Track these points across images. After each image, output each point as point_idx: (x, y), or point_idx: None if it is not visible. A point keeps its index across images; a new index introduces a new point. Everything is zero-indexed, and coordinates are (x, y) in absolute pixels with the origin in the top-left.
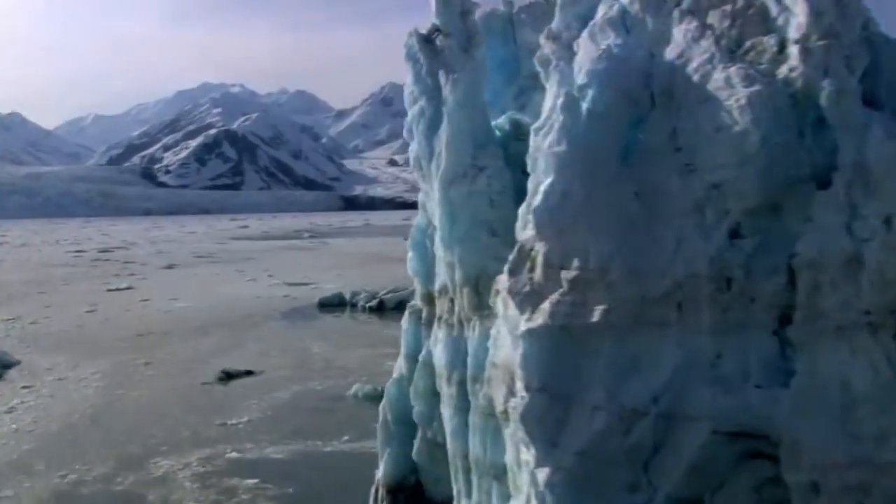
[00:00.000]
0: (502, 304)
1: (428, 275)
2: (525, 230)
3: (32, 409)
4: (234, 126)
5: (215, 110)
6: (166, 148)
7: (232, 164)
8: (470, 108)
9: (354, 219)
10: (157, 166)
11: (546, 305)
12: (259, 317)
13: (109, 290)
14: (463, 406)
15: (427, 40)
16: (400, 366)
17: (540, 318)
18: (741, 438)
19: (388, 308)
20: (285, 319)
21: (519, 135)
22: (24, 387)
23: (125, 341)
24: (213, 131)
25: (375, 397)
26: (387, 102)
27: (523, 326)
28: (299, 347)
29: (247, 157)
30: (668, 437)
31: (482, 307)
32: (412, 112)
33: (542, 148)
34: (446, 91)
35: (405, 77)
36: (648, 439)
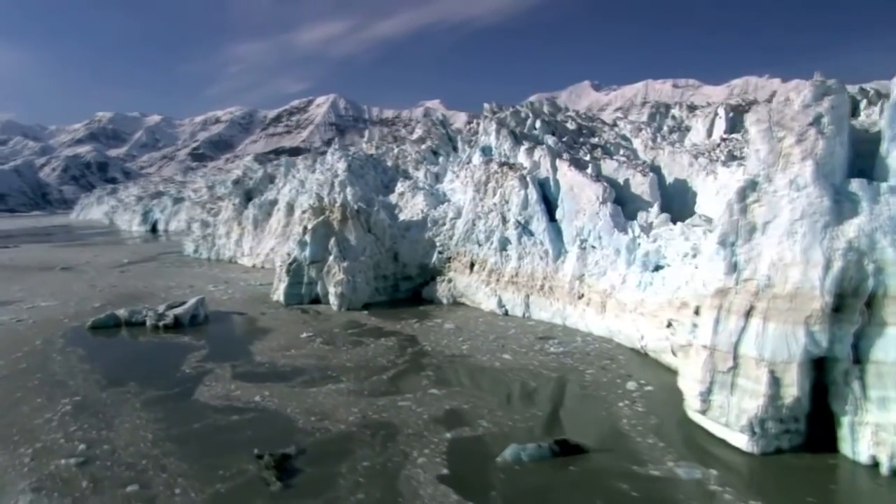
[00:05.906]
0: None
1: None
2: None
3: None
4: None
5: None
6: None
7: None
8: None
9: None
10: None
11: None
12: (56, 347)
13: None
14: None
15: None
16: None
17: None
18: None
19: (185, 325)
20: (89, 349)
21: None
22: None
23: None
24: None
25: (542, 458)
26: None
27: None
28: (234, 396)
29: None
30: None
31: None
32: None
33: None
34: None
35: None
36: None
